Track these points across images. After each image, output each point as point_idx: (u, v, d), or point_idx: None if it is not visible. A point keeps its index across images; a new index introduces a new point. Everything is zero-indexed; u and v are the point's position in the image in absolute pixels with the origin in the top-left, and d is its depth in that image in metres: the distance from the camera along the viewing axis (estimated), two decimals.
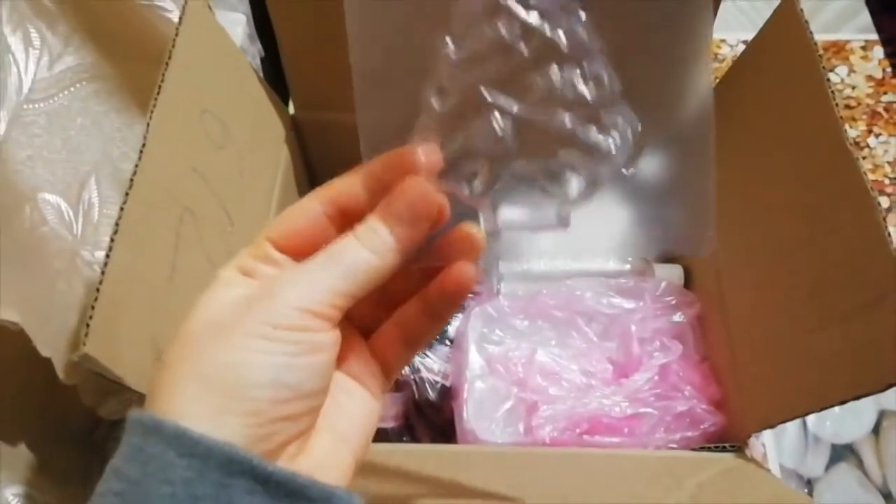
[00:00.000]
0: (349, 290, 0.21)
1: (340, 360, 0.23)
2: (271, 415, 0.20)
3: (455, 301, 0.25)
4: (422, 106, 0.23)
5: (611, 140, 0.22)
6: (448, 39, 0.22)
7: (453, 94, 0.22)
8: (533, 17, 0.21)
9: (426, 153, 0.23)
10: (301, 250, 0.23)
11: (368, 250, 0.22)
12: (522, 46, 0.21)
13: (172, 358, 0.21)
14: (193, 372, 0.20)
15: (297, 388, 0.20)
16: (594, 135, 0.22)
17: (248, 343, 0.20)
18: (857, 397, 0.32)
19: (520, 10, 0.21)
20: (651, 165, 0.23)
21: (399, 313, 0.25)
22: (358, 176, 0.23)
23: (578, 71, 0.22)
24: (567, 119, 0.22)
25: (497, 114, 0.22)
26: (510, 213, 0.24)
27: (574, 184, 0.23)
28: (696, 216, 0.24)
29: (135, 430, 0.20)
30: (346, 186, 0.23)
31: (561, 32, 0.21)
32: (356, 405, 0.24)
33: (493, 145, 0.22)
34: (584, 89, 0.22)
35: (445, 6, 0.22)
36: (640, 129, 0.22)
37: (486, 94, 0.22)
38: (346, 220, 0.23)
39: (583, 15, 0.22)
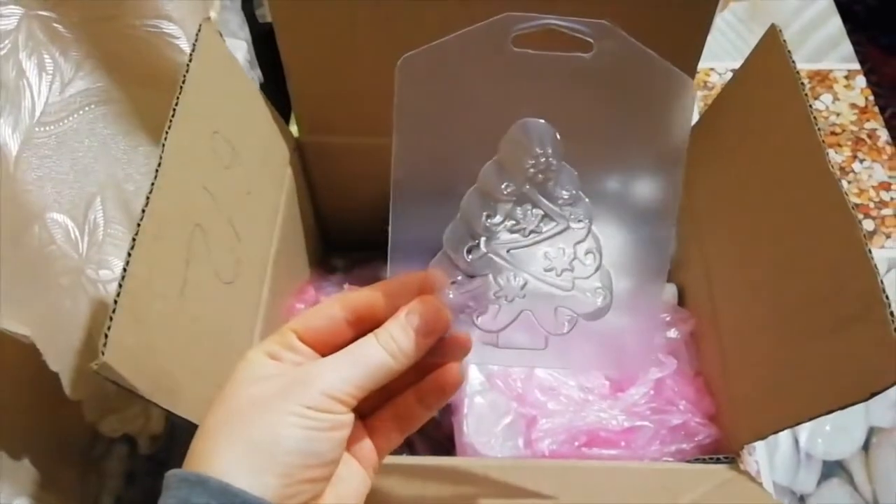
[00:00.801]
0: (367, 384, 0.26)
1: None
2: (299, 477, 0.24)
3: (446, 395, 0.30)
4: (444, 242, 0.28)
5: (599, 300, 0.29)
6: (483, 212, 0.28)
7: (481, 252, 0.28)
8: (549, 209, 0.28)
9: (439, 279, 0.28)
10: (320, 344, 0.28)
11: (387, 354, 0.26)
12: (542, 228, 0.28)
13: (216, 425, 0.25)
14: (237, 439, 0.24)
15: (321, 456, 0.25)
16: (586, 295, 0.29)
17: (286, 419, 0.24)
18: (843, 407, 0.33)
19: (542, 201, 0.28)
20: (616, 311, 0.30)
21: (395, 402, 0.30)
22: (378, 290, 0.28)
23: (582, 248, 0.29)
24: (565, 282, 0.29)
25: (512, 272, 0.28)
26: (507, 336, 0.30)
27: (566, 324, 0.29)
28: (641, 348, 0.32)
29: (179, 486, 0.23)
30: (366, 298, 0.28)
31: (574, 221, 0.28)
32: (353, 476, 0.28)
33: (506, 295, 0.28)
34: (584, 262, 0.29)
35: (476, 169, 0.28)
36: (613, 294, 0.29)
37: (507, 257, 0.28)
38: (360, 323, 0.28)
39: (587, 201, 0.28)
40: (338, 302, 0.28)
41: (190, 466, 0.24)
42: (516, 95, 0.28)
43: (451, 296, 0.28)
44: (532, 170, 0.27)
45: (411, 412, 0.30)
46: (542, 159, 0.27)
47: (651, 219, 0.29)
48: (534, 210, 0.28)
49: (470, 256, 0.28)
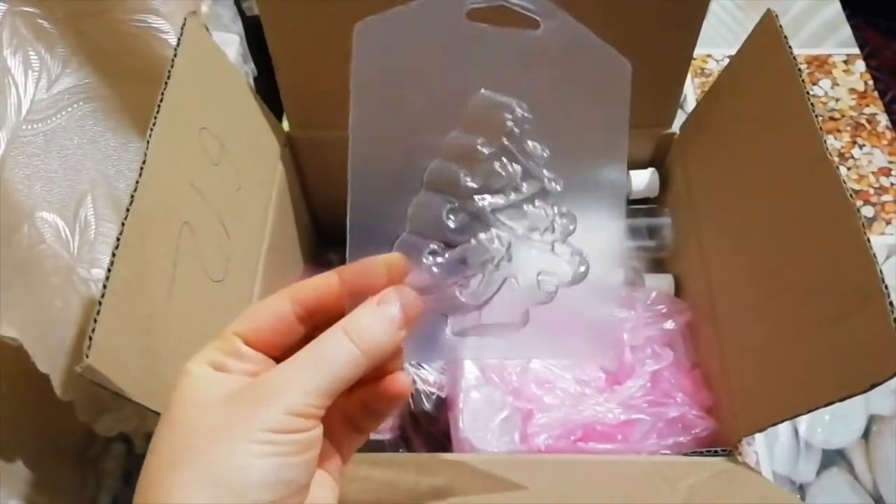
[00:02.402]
0: (335, 388, 0.23)
1: None
2: None
3: (394, 404, 0.26)
4: (409, 219, 0.26)
5: (577, 263, 0.28)
6: (461, 172, 0.26)
7: (463, 214, 0.26)
8: (531, 165, 0.27)
9: (405, 263, 0.25)
10: (269, 346, 0.24)
11: (357, 348, 0.23)
12: (524, 186, 0.26)
13: (170, 460, 0.21)
14: (199, 478, 0.21)
15: (293, 484, 0.22)
16: (563, 259, 0.28)
17: (251, 448, 0.21)
18: (843, 399, 0.32)
19: (521, 158, 0.27)
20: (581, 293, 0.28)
21: (341, 404, 0.26)
22: (332, 278, 0.25)
23: (559, 209, 0.28)
24: (547, 244, 0.28)
25: (496, 233, 0.26)
26: (487, 314, 0.28)
27: (549, 288, 0.27)
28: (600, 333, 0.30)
29: None
30: (318, 288, 0.25)
31: (553, 180, 0.27)
32: (322, 490, 0.25)
33: (493, 258, 0.26)
34: (561, 224, 0.28)
35: (437, 142, 0.27)
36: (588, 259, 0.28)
37: (490, 217, 0.26)
38: (313, 318, 0.25)
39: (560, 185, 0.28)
40: (286, 295, 0.25)
41: None
42: (469, 68, 0.27)
43: (434, 269, 0.25)
44: (510, 123, 0.26)
45: (360, 416, 0.27)
46: (520, 114, 0.26)
47: (602, 204, 0.29)
48: (513, 165, 0.26)
49: (452, 219, 0.26)
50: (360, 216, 0.26)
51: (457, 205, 0.26)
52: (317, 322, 0.25)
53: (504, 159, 0.26)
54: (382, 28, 0.26)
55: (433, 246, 0.26)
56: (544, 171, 0.27)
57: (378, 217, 0.27)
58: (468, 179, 0.26)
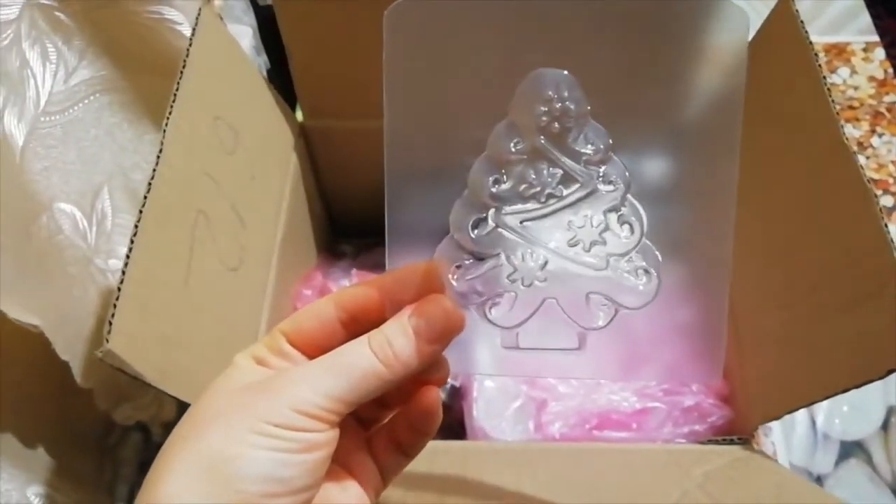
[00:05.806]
0: (351, 398, 0.22)
1: (338, 453, 0.23)
2: None
3: (429, 421, 0.25)
4: (450, 226, 0.24)
5: (642, 282, 0.23)
6: (490, 178, 0.23)
7: (490, 224, 0.24)
8: (567, 166, 0.23)
9: (446, 271, 0.24)
10: (312, 348, 0.24)
11: (378, 360, 0.22)
12: (562, 192, 0.23)
13: (175, 439, 0.21)
14: (192, 456, 0.21)
15: (287, 484, 0.21)
16: (624, 277, 0.23)
17: (246, 438, 0.21)
18: (859, 385, 0.32)
19: (559, 157, 0.23)
20: (667, 298, 0.24)
21: (391, 421, 0.26)
22: (373, 286, 0.24)
23: (614, 217, 0.23)
24: (596, 259, 0.23)
25: (530, 247, 0.23)
26: (530, 335, 0.24)
27: (601, 315, 0.24)
28: (706, 350, 0.25)
29: None
30: (360, 295, 0.24)
31: (602, 183, 0.23)
32: (348, 499, 0.25)
33: (523, 278, 0.24)
34: (619, 234, 0.23)
35: (483, 136, 0.23)
36: (660, 265, 0.24)
37: (521, 230, 0.23)
38: (355, 324, 0.24)
39: (621, 162, 0.23)
40: (331, 300, 0.25)
41: (145, 487, 0.21)
42: (527, 48, 0.23)
43: (455, 284, 0.23)
44: (544, 118, 0.22)
45: (406, 436, 0.26)
46: (557, 104, 0.22)
47: (703, 191, 0.25)
48: (550, 169, 0.23)
49: (476, 232, 0.23)
50: (399, 218, 0.24)
51: (484, 215, 0.23)
52: (360, 328, 0.24)
53: (539, 164, 0.23)
54: (416, 11, 0.23)
55: (464, 261, 0.24)
56: (599, 170, 0.23)
57: (419, 218, 0.24)
58: (498, 187, 0.23)
